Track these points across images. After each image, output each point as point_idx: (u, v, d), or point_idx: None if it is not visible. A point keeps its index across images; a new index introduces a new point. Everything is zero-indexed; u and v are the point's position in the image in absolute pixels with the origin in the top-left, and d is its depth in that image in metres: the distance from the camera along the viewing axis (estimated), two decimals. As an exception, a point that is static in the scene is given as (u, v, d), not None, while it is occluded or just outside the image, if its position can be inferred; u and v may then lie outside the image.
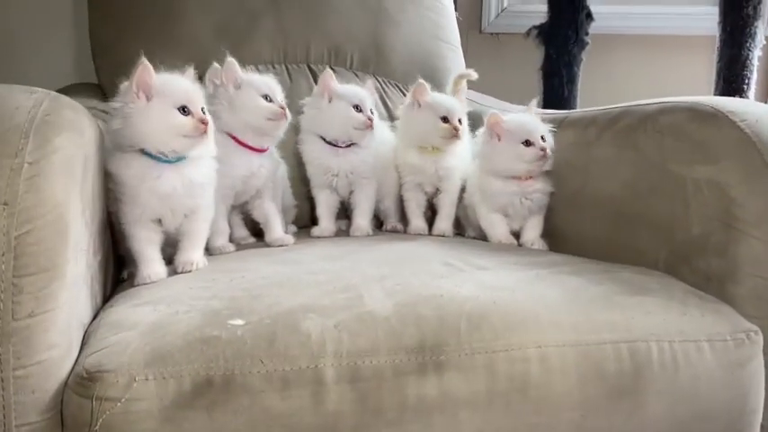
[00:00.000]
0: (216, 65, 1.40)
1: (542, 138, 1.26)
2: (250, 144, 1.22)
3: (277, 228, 1.26)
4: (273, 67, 1.57)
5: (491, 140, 1.29)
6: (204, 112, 1.03)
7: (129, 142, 0.98)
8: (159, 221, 1.04)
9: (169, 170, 1.01)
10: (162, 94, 0.99)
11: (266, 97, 1.21)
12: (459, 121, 1.35)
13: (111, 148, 1.00)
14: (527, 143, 1.25)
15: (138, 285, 0.98)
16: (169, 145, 0.99)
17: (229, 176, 1.20)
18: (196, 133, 1.01)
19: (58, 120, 0.75)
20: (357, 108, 1.31)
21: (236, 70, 1.22)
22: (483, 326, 0.79)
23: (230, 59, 1.22)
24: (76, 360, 0.74)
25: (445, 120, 1.34)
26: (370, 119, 1.31)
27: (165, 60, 1.05)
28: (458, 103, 1.39)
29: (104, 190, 0.98)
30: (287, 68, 1.60)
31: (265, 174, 1.25)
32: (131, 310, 0.83)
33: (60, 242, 0.70)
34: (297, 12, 1.62)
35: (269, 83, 1.24)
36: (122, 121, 0.98)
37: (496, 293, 0.85)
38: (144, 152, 0.99)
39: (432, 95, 1.38)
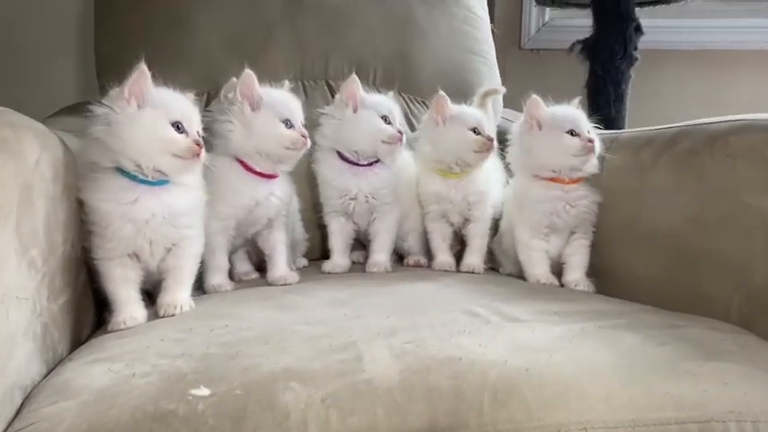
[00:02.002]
0: (234, 79, 1.27)
1: (588, 131, 1.13)
2: (259, 170, 1.08)
3: (281, 264, 1.12)
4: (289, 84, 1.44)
5: (530, 130, 1.15)
6: (200, 136, 0.91)
7: (106, 156, 0.86)
8: (137, 258, 0.90)
9: (147, 194, 0.88)
10: (156, 104, 0.88)
11: (287, 122, 1.06)
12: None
13: (83, 173, 0.87)
14: (572, 133, 1.11)
15: (111, 332, 0.85)
16: (154, 161, 0.87)
17: (231, 205, 1.07)
18: (188, 155, 0.88)
19: (-13, 140, 0.61)
20: (386, 120, 1.18)
21: (254, 86, 1.08)
22: (512, 401, 0.62)
23: (248, 72, 1.08)
24: (1, 436, 0.59)
25: (476, 131, 1.19)
26: (401, 132, 1.18)
27: (174, 76, 0.93)
28: (485, 115, 1.25)
29: (76, 221, 0.85)
30: (303, 85, 1.46)
31: (276, 203, 1.10)
32: (84, 369, 0.70)
33: (-29, 294, 0.56)
34: (315, 23, 1.49)
35: (290, 104, 1.09)
36: (105, 129, 0.85)
37: (530, 357, 0.68)
38: (120, 172, 0.87)
39: (456, 107, 1.24)
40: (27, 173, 0.67)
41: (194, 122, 0.92)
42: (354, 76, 1.21)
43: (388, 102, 1.22)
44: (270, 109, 1.07)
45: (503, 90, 1.30)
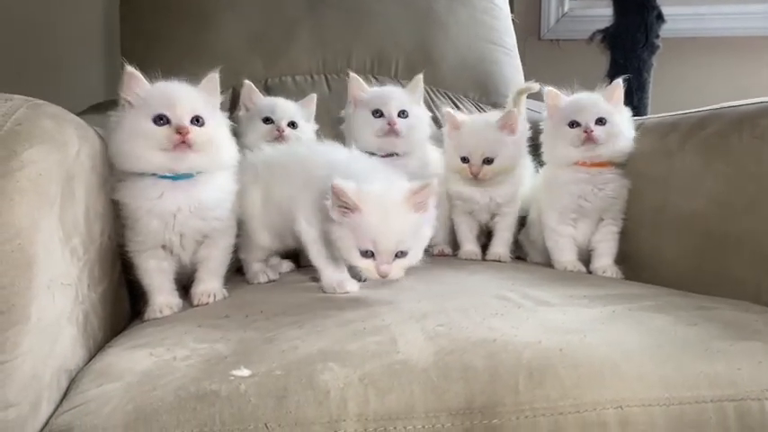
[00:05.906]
0: (248, 83, 1.29)
1: (600, 120, 1.11)
2: None
3: None
4: (312, 78, 1.46)
5: (549, 121, 1.19)
6: (200, 122, 0.87)
7: (111, 162, 0.86)
8: (170, 250, 0.92)
9: (172, 189, 0.88)
10: (140, 102, 0.86)
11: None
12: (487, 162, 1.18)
13: (116, 174, 0.88)
14: (572, 124, 1.12)
15: (147, 320, 0.87)
16: (143, 161, 0.85)
17: None
18: (168, 145, 0.84)
19: (32, 130, 0.63)
20: (377, 113, 1.18)
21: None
22: (547, 380, 0.63)
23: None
24: (49, 418, 0.61)
25: (465, 160, 1.18)
26: (391, 123, 1.16)
27: (197, 73, 0.95)
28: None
29: (111, 214, 0.87)
30: (326, 78, 1.47)
31: None
32: (126, 354, 0.71)
33: (21, 278, 0.58)
34: (336, 18, 1.50)
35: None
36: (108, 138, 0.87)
37: (563, 338, 0.69)
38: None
39: (466, 119, 1.23)
40: (69, 163, 0.69)
41: (183, 109, 0.86)
42: (354, 76, 1.23)
43: (383, 93, 1.22)
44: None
45: (537, 87, 1.29)
